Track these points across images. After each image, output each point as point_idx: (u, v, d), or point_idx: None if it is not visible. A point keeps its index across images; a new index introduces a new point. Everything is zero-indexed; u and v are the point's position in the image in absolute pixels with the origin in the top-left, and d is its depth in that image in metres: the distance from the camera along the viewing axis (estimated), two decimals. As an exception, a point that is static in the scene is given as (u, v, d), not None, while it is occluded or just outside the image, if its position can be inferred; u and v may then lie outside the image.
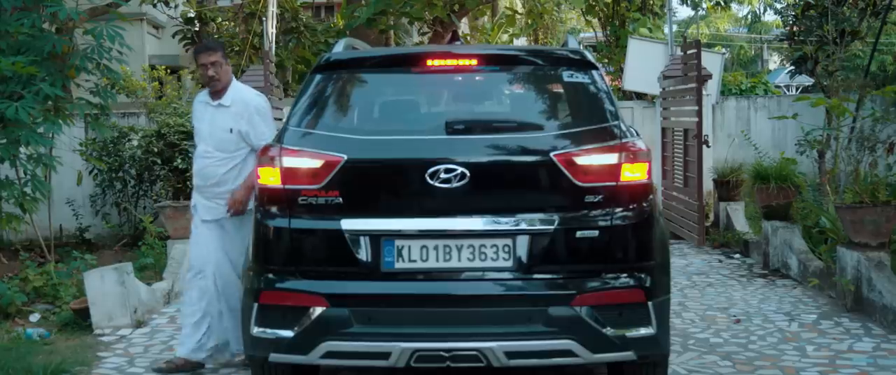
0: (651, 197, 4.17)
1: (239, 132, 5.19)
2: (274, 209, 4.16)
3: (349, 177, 4.05)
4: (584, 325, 3.92)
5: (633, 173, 4.06)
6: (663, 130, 10.77)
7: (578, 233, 4.03)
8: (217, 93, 5.25)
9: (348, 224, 4.03)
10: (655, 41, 12.97)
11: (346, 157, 4.05)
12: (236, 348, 5.26)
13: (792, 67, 12.42)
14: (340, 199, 4.06)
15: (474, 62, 4.43)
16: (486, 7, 18.26)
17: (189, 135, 9.75)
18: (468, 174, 3.99)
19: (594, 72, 4.37)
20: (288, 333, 4.02)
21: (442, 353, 3.93)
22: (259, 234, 4.22)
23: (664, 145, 10.66)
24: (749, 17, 29.03)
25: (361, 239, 4.03)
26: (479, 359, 3.91)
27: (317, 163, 4.08)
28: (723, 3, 16.10)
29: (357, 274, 4.05)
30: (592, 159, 4.06)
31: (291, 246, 4.14)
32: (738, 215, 9.72)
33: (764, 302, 6.95)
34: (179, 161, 9.64)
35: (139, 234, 9.58)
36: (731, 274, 8.19)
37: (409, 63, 4.64)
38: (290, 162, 4.12)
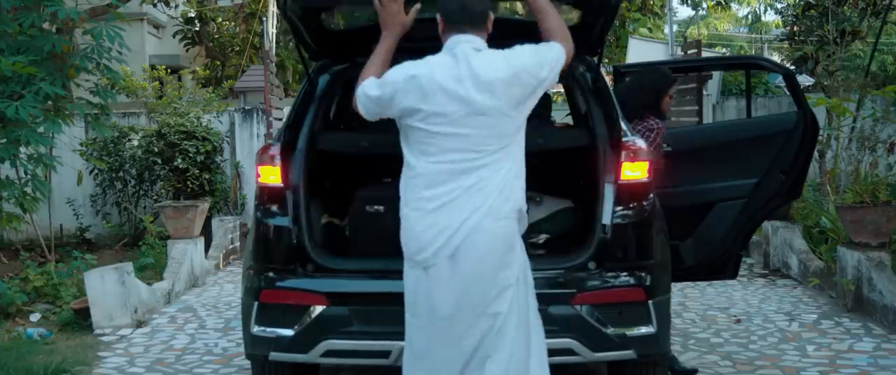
0: (651, 196, 4.17)
1: None
2: (274, 208, 4.16)
3: None
4: (585, 324, 3.91)
5: (633, 172, 4.06)
6: (663, 130, 10.74)
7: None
8: None
9: (348, 223, 4.03)
10: (656, 41, 12.98)
11: (346, 156, 4.05)
12: None
13: (792, 67, 12.39)
14: (341, 198, 4.06)
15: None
16: (486, 7, 18.24)
17: (189, 135, 9.77)
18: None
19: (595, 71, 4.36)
20: (288, 332, 4.00)
21: (442, 352, 3.92)
22: (259, 233, 4.22)
23: (664, 145, 10.62)
24: (749, 17, 28.98)
25: (361, 238, 4.02)
26: (480, 358, 3.90)
27: (317, 162, 4.08)
28: (723, 3, 16.11)
29: (357, 273, 4.05)
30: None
31: (291, 245, 4.14)
32: (738, 215, 9.69)
33: (764, 302, 6.94)
34: (179, 161, 9.63)
35: (139, 234, 9.58)
36: (731, 273, 8.17)
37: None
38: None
